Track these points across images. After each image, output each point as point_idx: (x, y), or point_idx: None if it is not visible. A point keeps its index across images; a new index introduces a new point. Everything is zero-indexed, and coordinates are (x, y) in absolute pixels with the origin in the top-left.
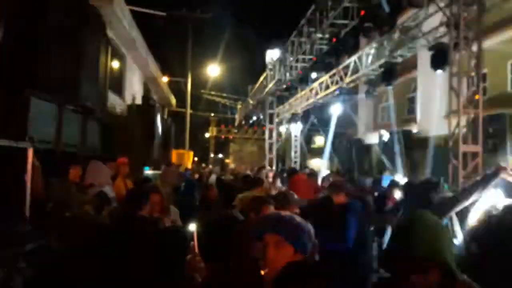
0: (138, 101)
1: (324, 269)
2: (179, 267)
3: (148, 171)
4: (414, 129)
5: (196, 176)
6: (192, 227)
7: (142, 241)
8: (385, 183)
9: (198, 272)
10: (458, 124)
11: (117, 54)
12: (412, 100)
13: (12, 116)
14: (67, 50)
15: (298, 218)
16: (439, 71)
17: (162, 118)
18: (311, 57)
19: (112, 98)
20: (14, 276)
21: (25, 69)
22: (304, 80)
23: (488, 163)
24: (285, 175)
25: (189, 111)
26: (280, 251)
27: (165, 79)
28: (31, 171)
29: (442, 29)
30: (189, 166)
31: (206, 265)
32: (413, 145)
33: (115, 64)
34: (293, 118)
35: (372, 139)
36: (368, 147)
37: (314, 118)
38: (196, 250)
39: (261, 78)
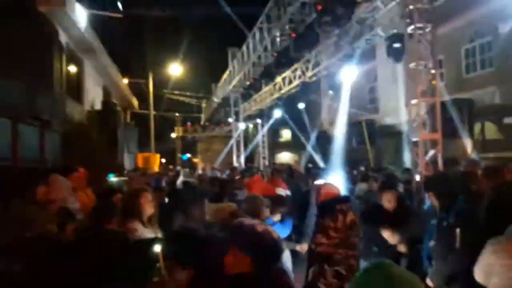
0: (98, 106)
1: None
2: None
3: (113, 178)
4: (377, 119)
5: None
6: (157, 248)
7: (110, 256)
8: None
9: None
10: (416, 113)
11: (73, 59)
12: (373, 90)
13: None
14: (16, 61)
15: (261, 228)
16: (396, 61)
17: (124, 121)
18: (272, 52)
19: (71, 105)
20: None
21: None
22: (267, 76)
23: (448, 149)
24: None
25: (152, 112)
26: (237, 260)
27: (125, 81)
28: None
29: (397, 20)
30: (156, 169)
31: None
32: (377, 134)
33: (72, 69)
34: (258, 114)
35: (337, 130)
36: (333, 139)
37: (281, 112)
38: (163, 271)
39: (225, 76)
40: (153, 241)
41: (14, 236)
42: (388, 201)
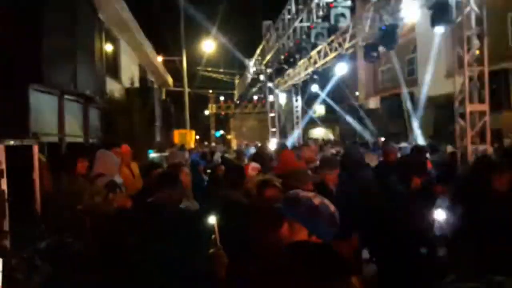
0: (136, 84)
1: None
2: (200, 253)
3: (152, 154)
4: (415, 91)
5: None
6: (212, 219)
7: (162, 228)
8: None
9: (222, 266)
10: (462, 83)
11: (110, 38)
12: (411, 62)
13: (13, 112)
14: (61, 39)
15: (318, 200)
16: (438, 31)
17: (160, 99)
18: (308, 24)
19: (110, 83)
20: (32, 275)
21: (22, 63)
22: (302, 49)
23: (494, 122)
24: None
25: (187, 90)
26: (294, 233)
27: (159, 58)
28: (38, 168)
29: None
30: (192, 145)
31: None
32: (416, 107)
33: (109, 48)
34: (293, 89)
35: (373, 103)
36: (369, 112)
37: (314, 86)
38: (218, 243)
39: (258, 51)
40: (202, 212)
41: (65, 209)
42: None
